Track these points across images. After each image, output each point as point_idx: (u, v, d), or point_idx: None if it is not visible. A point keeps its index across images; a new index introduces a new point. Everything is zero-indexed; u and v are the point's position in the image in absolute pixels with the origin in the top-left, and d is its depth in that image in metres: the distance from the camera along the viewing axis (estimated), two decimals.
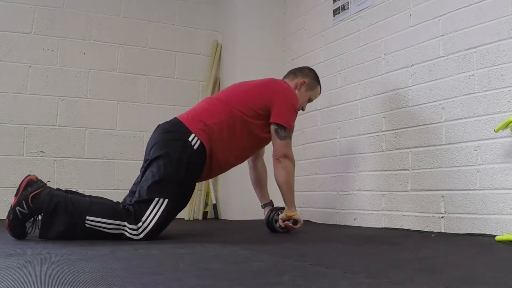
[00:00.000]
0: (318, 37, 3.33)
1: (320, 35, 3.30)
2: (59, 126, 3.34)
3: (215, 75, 3.83)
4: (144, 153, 2.24)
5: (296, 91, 2.46)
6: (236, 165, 2.38)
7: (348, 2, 3.04)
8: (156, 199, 1.99)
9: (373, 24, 2.82)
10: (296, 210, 2.36)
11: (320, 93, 2.62)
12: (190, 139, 2.10)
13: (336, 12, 3.15)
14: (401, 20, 2.61)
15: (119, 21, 3.58)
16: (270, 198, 2.62)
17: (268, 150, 2.44)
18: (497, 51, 2.10)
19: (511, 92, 2.03)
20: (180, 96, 3.73)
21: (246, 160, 2.53)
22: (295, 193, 2.67)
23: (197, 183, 2.44)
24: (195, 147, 2.10)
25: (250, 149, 2.37)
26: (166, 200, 2.00)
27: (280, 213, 2.38)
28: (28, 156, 3.23)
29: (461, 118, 2.24)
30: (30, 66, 3.28)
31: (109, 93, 3.50)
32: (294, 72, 2.56)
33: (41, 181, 1.95)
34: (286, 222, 2.35)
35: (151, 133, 2.27)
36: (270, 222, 2.40)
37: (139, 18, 3.65)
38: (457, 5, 2.29)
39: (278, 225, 2.38)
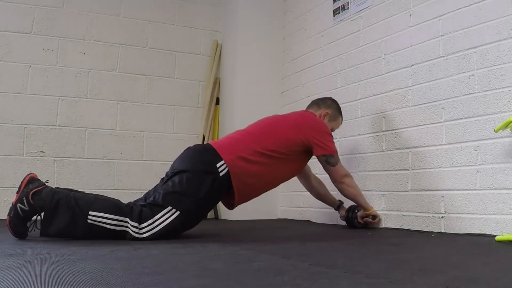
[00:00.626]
0: (318, 37, 3.33)
1: (320, 35, 3.30)
2: (59, 126, 3.34)
3: (215, 75, 3.83)
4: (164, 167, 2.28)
5: None
6: (267, 191, 2.43)
7: (348, 2, 3.04)
8: (169, 207, 2.01)
9: (373, 24, 2.82)
10: (372, 207, 2.57)
11: (341, 123, 2.72)
12: (218, 165, 2.13)
13: (336, 12, 3.15)
14: (401, 20, 2.61)
15: (119, 21, 3.58)
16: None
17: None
18: (497, 51, 2.09)
19: (511, 92, 2.03)
20: (180, 96, 3.73)
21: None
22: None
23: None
24: (221, 174, 2.12)
25: (281, 179, 2.42)
26: (178, 212, 2.01)
27: (357, 210, 2.60)
28: (28, 156, 3.23)
29: (461, 118, 2.24)
30: (30, 66, 3.28)
31: (109, 93, 3.50)
32: (318, 103, 2.65)
33: (41, 180, 1.96)
34: (365, 218, 2.58)
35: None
36: (350, 220, 2.63)
37: (139, 18, 3.65)
38: (457, 5, 2.29)
39: (357, 222, 2.60)
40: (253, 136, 2.31)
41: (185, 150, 2.29)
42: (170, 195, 2.03)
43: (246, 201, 2.34)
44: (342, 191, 2.51)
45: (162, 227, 1.98)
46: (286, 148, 2.29)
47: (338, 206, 2.78)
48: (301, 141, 2.33)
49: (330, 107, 2.63)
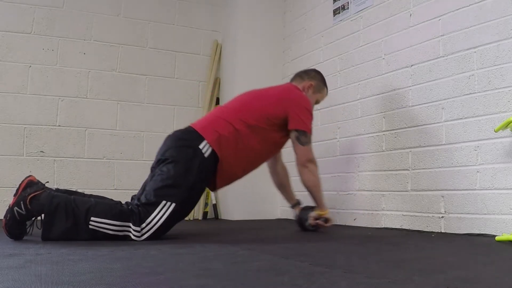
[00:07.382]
0: (318, 37, 3.33)
1: (320, 35, 3.30)
2: (59, 126, 3.34)
3: (215, 75, 3.83)
4: (151, 156, 2.26)
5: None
6: (248, 172, 2.38)
7: (348, 2, 3.04)
8: (164, 202, 2.00)
9: (373, 24, 2.82)
10: (327, 209, 2.42)
11: (326, 94, 2.65)
12: (201, 146, 2.13)
13: (336, 12, 3.15)
14: (401, 20, 2.61)
15: (119, 21, 3.58)
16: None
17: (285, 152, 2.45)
18: (497, 51, 2.09)
19: (511, 92, 2.03)
20: (180, 96, 3.73)
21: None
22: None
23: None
24: (206, 154, 2.12)
25: (263, 155, 2.39)
26: (174, 204, 2.00)
27: (310, 211, 2.43)
28: (28, 156, 3.23)
29: (461, 118, 2.24)
30: (30, 66, 3.28)
31: (109, 93, 3.50)
32: (301, 75, 2.59)
33: (41, 183, 1.94)
34: (317, 220, 2.41)
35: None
36: (301, 221, 2.47)
37: (139, 18, 3.64)
38: (457, 5, 2.29)
39: (308, 224, 2.43)
40: (233, 111, 2.29)
41: (166, 139, 2.26)
42: (161, 190, 2.02)
43: (228, 182, 2.32)
44: (302, 176, 2.35)
45: (161, 224, 1.97)
46: (267, 122, 2.27)
47: (294, 204, 2.66)
48: (281, 114, 2.30)
49: (314, 79, 2.56)
